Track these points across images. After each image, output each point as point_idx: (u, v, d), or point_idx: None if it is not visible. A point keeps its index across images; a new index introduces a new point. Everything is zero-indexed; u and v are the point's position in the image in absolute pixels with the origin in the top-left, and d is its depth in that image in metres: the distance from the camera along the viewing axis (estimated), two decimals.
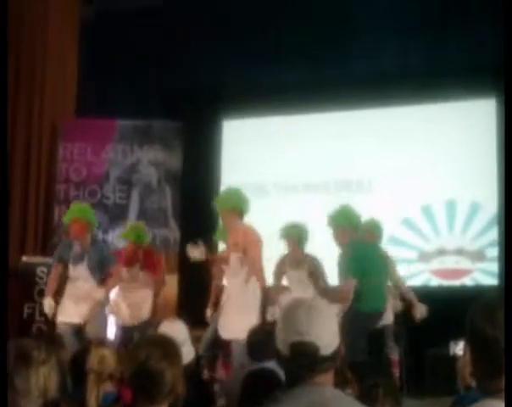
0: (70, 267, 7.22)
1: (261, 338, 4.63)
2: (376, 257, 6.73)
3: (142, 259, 7.80)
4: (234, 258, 6.60)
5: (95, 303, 7.07)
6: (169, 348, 2.78)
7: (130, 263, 7.72)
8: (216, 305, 7.45)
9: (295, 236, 7.65)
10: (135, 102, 10.77)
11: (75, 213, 7.25)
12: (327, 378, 2.27)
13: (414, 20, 9.46)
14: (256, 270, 6.52)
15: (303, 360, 2.21)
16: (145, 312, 7.68)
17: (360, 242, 6.68)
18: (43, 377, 2.58)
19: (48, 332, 7.59)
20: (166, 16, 10.62)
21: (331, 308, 2.35)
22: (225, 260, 6.75)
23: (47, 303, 7.16)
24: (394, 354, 7.56)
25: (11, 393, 2.54)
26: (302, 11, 10.00)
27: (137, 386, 2.66)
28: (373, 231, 7.51)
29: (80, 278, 7.16)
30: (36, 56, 10.45)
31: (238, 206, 6.66)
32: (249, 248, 6.52)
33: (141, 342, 2.82)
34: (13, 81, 9.99)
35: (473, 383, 3.06)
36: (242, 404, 3.55)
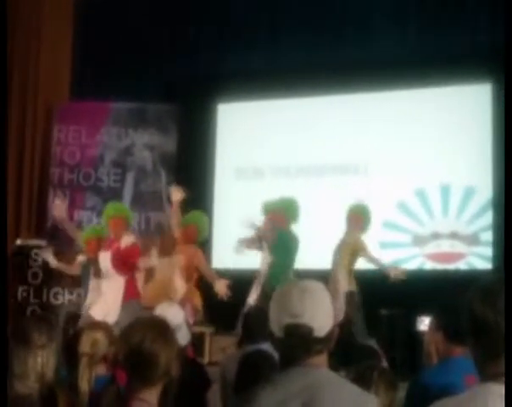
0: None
1: (256, 320, 4.63)
2: None
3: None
4: None
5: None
6: (163, 329, 2.76)
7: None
8: None
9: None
10: (131, 86, 10.71)
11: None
12: (322, 360, 2.26)
13: (410, 5, 9.44)
14: None
15: (297, 342, 2.21)
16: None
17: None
18: (41, 362, 2.56)
19: (47, 315, 7.59)
20: (163, 1, 10.58)
21: (324, 290, 2.33)
22: None
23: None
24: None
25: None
26: None
27: (131, 367, 2.65)
28: (360, 215, 7.60)
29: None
30: (30, 39, 10.44)
31: None
32: None
33: (135, 323, 2.79)
34: (8, 64, 9.95)
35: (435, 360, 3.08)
36: (237, 385, 3.56)
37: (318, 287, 2.31)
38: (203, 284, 7.72)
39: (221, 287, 7.34)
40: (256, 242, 7.59)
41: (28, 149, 10.33)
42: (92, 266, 7.52)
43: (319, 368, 2.24)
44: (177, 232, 7.68)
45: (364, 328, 7.35)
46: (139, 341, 2.66)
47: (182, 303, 6.82)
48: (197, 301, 7.61)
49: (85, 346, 3.67)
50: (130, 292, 7.09)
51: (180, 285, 7.51)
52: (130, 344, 2.68)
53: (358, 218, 7.58)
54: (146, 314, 2.86)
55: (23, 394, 2.51)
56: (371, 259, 7.51)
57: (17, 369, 2.52)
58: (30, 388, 2.53)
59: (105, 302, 7.09)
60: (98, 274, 7.33)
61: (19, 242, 9.46)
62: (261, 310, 4.61)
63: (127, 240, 7.22)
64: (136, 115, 10.49)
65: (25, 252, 9.31)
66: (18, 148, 10.23)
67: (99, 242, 7.50)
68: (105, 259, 7.19)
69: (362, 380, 3.16)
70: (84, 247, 7.73)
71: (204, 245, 8.28)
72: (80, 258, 7.88)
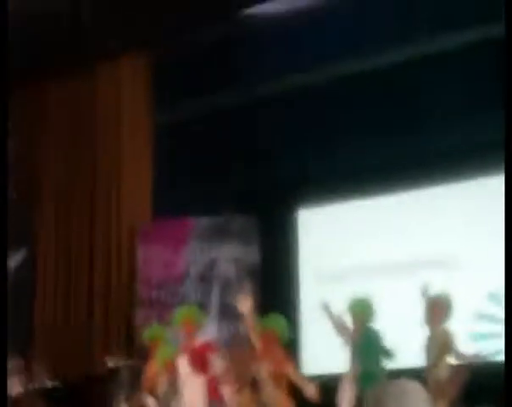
0: None
1: None
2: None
3: None
4: None
5: None
6: None
7: None
8: None
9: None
10: (212, 200, 10.85)
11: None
12: None
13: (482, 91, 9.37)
14: None
15: None
16: None
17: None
18: None
19: None
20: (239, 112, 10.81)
21: (422, 390, 2.18)
22: None
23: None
24: None
25: None
26: (376, 93, 10.03)
27: None
28: (442, 307, 7.36)
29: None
30: (111, 162, 10.75)
31: None
32: None
33: None
34: (91, 184, 10.27)
35: None
36: None
37: (415, 387, 2.18)
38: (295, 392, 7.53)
39: (312, 391, 7.14)
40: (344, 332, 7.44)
41: (114, 270, 10.49)
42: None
43: None
44: (256, 340, 7.53)
45: None
46: None
47: None
48: None
49: None
50: (212, 394, 6.98)
51: (271, 392, 7.32)
52: None
53: (438, 309, 7.33)
54: None
55: None
56: (457, 354, 7.21)
57: None
58: None
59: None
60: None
61: (109, 361, 9.46)
62: None
63: (201, 339, 7.32)
64: (217, 229, 10.58)
65: (115, 372, 9.28)
66: (104, 270, 10.40)
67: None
68: (182, 362, 7.19)
69: None
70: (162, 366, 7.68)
71: (290, 350, 8.10)
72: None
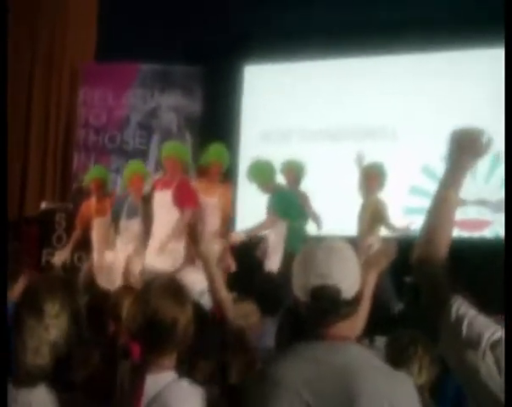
0: None
1: (279, 285, 4.49)
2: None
3: None
4: None
5: None
6: (179, 295, 2.64)
7: None
8: None
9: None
10: (158, 47, 10.61)
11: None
12: (349, 327, 2.16)
13: None
14: None
15: (325, 304, 2.09)
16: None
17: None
18: (55, 332, 2.46)
19: (64, 277, 7.60)
20: None
21: (350, 249, 2.20)
22: None
23: None
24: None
25: (19, 345, 2.46)
26: None
27: (147, 339, 2.57)
28: (374, 176, 7.49)
29: None
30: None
31: None
32: None
33: (148, 289, 2.64)
34: (34, 21, 9.90)
35: None
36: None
37: (344, 246, 2.20)
38: None
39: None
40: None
41: (53, 111, 10.31)
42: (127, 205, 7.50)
43: (347, 343, 2.11)
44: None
45: (394, 294, 7.27)
46: (154, 310, 2.55)
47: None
48: (232, 263, 7.47)
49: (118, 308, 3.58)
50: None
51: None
52: (144, 315, 2.56)
53: (372, 178, 7.47)
54: (162, 276, 2.71)
55: (37, 364, 2.45)
56: (387, 224, 7.38)
57: (29, 341, 2.44)
58: (45, 359, 2.45)
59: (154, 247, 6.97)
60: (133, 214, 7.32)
61: (44, 205, 9.44)
62: (283, 275, 4.48)
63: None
64: (162, 77, 10.44)
65: (49, 215, 9.27)
66: (44, 110, 10.20)
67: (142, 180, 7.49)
68: (162, 198, 7.07)
69: (405, 353, 3.02)
70: (127, 185, 7.69)
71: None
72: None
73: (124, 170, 7.80)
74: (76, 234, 8.10)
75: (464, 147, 2.37)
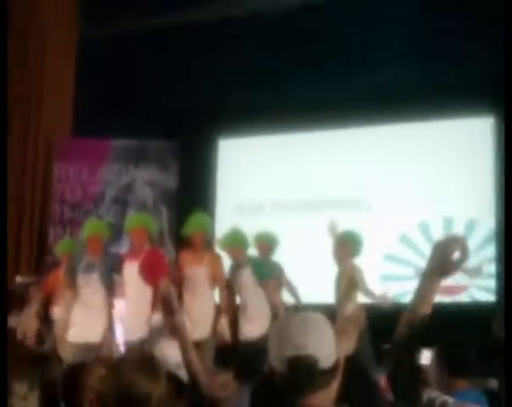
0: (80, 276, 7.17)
1: (254, 354, 4.47)
2: None
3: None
4: None
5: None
6: (153, 369, 2.61)
7: None
8: None
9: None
10: (132, 123, 10.69)
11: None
12: (327, 397, 2.12)
13: (410, 38, 9.41)
14: None
15: (302, 375, 2.06)
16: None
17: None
18: None
19: (36, 353, 7.46)
20: (164, 38, 10.60)
21: (326, 320, 2.19)
22: None
23: None
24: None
25: None
26: (299, 31, 9.96)
27: None
28: (348, 244, 7.47)
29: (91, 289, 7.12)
30: (32, 75, 10.42)
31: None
32: None
33: (123, 362, 2.62)
34: (11, 99, 9.93)
35: None
36: None
37: (319, 318, 2.18)
38: None
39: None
40: None
41: (28, 186, 10.28)
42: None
43: None
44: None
45: (374, 362, 7.21)
46: (128, 382, 2.50)
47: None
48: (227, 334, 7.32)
49: (94, 381, 3.51)
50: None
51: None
52: (119, 386, 2.51)
53: (345, 245, 7.44)
54: (135, 350, 2.66)
55: None
56: (364, 290, 7.36)
57: None
58: None
59: (128, 319, 6.97)
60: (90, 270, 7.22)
61: (19, 279, 9.36)
62: (258, 345, 4.46)
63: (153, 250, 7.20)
64: (136, 152, 10.48)
65: (23, 289, 9.17)
66: (18, 184, 10.16)
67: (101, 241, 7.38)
68: (130, 271, 7.02)
69: None
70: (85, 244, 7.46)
71: None
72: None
73: (83, 229, 7.65)
74: (38, 301, 8.01)
75: (437, 269, 2.44)
